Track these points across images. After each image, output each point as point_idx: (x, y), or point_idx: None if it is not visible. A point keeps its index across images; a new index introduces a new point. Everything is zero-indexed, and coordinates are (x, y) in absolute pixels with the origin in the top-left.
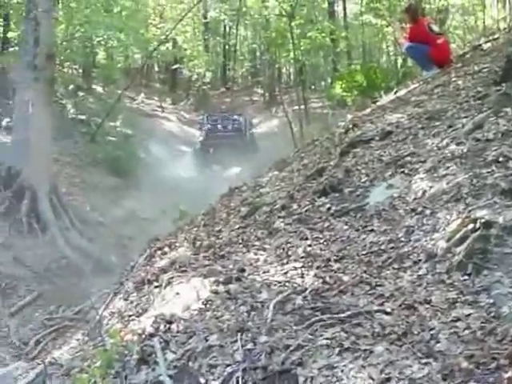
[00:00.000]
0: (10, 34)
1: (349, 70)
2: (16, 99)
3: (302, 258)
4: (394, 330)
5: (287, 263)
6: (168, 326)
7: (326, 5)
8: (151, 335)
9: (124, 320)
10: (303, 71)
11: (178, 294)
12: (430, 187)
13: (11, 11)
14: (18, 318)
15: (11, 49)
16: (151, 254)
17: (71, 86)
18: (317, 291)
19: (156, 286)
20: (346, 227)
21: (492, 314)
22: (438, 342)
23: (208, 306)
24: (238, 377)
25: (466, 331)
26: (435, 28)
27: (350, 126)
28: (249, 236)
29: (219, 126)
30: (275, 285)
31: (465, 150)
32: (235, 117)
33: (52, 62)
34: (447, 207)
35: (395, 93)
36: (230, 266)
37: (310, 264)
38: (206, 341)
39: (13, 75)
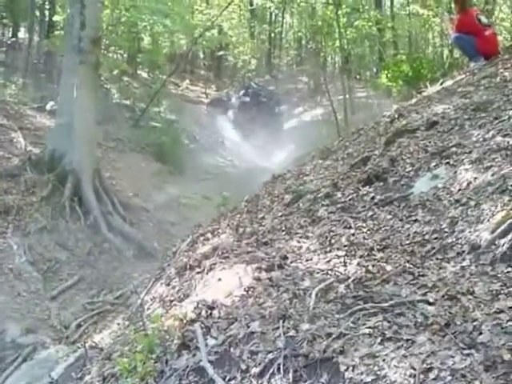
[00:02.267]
0: (55, 18)
1: (395, 60)
2: (61, 82)
3: (345, 246)
4: (436, 321)
5: (330, 251)
6: (210, 311)
7: None
8: (192, 321)
9: (165, 305)
10: (349, 60)
11: (220, 280)
12: (475, 178)
13: None
14: (59, 302)
15: (57, 32)
16: (194, 239)
17: (116, 71)
18: (359, 280)
19: (198, 272)
20: (389, 217)
21: None
22: (480, 333)
23: (250, 292)
24: (279, 364)
25: (509, 323)
26: (484, 19)
27: (396, 116)
28: (292, 224)
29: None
30: (318, 273)
31: (511, 142)
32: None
33: (98, 46)
34: (492, 199)
35: (441, 83)
36: (273, 254)
37: (353, 253)
38: (248, 327)
39: (58, 58)
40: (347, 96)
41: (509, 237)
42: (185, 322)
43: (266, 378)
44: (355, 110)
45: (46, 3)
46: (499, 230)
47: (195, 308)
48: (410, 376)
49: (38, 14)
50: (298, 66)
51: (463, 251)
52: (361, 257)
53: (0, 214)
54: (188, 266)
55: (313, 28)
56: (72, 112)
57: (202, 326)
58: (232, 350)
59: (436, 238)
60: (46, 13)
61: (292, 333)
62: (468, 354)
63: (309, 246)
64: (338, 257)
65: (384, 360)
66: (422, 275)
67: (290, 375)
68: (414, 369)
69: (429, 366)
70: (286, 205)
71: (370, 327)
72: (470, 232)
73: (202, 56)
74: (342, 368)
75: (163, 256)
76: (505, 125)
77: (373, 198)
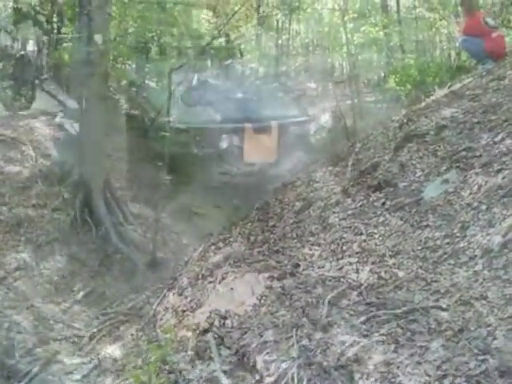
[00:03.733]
0: (63, 30)
1: (402, 64)
2: (70, 94)
3: (357, 253)
4: (450, 327)
5: (342, 258)
6: (223, 321)
7: None
8: (206, 331)
9: (178, 315)
10: (356, 65)
11: (232, 289)
12: (486, 182)
13: (65, 7)
14: (72, 313)
15: (65, 44)
16: (205, 249)
17: (124, 82)
18: (372, 286)
19: (210, 282)
20: (400, 222)
21: None
22: (494, 338)
23: (262, 301)
24: (293, 373)
25: None
26: (490, 21)
27: (405, 121)
28: (303, 231)
29: None
30: (330, 280)
31: None
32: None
33: (106, 57)
34: (503, 202)
35: (449, 87)
36: (285, 261)
37: (364, 259)
38: (261, 337)
39: (67, 71)
40: (355, 101)
41: None
42: (198, 332)
43: None
44: (364, 115)
45: (54, 16)
46: (511, 234)
47: (208, 318)
48: (425, 383)
49: (46, 26)
50: (305, 72)
51: (475, 256)
52: (373, 263)
53: (12, 227)
54: (200, 276)
55: (320, 34)
56: (81, 124)
57: (216, 335)
58: (245, 359)
59: (448, 243)
60: (55, 25)
61: (305, 341)
62: (483, 360)
63: (321, 253)
64: (350, 263)
65: (398, 367)
66: (435, 281)
67: None
68: (429, 375)
69: (443, 373)
70: (296, 212)
71: (383, 334)
72: (481, 236)
73: (209, 65)
74: (357, 376)
75: (175, 266)
76: None
77: (383, 203)
